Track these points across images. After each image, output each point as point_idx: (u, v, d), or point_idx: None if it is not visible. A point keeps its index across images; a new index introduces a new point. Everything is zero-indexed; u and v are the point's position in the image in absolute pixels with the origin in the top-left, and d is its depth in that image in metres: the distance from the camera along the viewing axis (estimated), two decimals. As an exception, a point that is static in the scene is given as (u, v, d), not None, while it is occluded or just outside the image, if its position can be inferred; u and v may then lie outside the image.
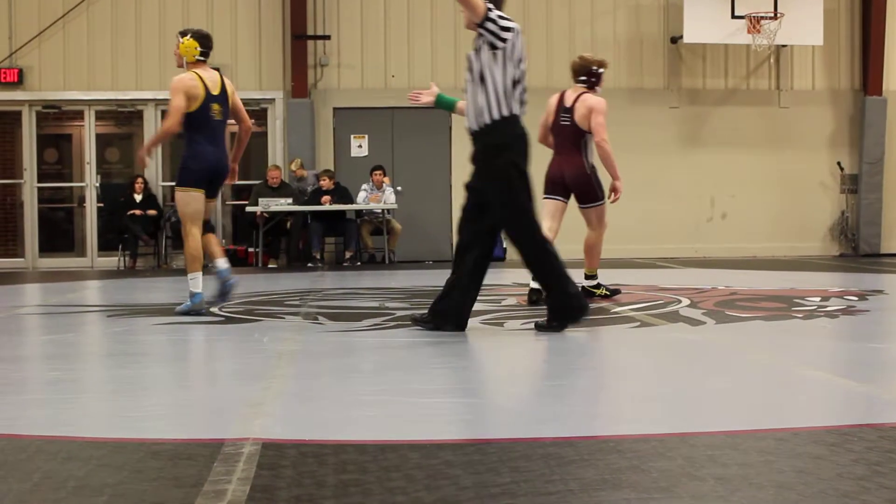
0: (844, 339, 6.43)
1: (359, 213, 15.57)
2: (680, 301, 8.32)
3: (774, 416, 3.90)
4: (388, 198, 15.28)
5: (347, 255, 15.44)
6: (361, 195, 15.31)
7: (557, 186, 8.59)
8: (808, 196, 17.04)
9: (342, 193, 15.38)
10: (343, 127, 16.37)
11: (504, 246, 16.03)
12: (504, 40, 6.20)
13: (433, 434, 3.55)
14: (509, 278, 11.45)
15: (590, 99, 8.37)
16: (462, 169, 16.25)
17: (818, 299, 8.40)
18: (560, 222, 8.73)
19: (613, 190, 8.65)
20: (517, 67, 6.30)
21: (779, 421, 3.79)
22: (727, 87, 16.99)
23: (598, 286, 8.82)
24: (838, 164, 17.04)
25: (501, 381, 4.84)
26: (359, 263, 15.23)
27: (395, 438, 3.45)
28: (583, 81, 8.51)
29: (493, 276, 12.17)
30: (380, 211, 15.39)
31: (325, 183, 15.18)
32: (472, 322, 7.03)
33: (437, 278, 11.71)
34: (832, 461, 3.09)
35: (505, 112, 6.29)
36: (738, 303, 8.18)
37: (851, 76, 17.22)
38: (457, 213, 17.05)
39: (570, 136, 8.44)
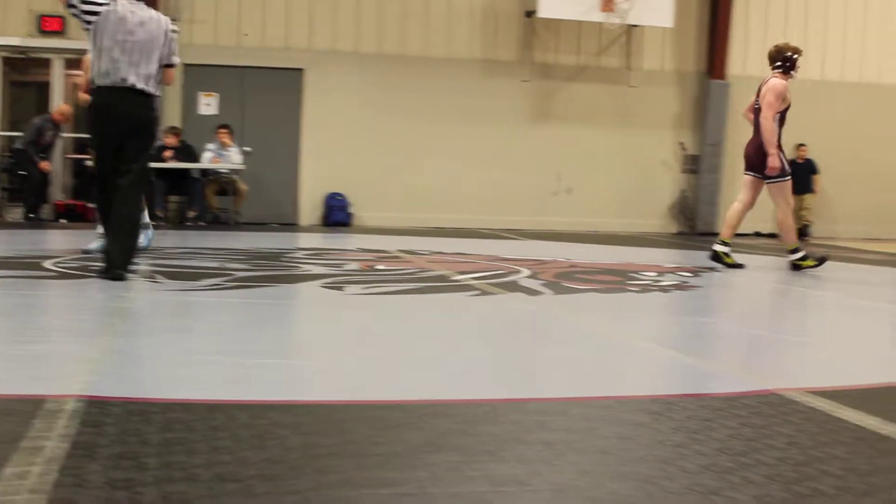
0: (675, 313, 6.62)
1: (204, 172, 15.30)
2: (520, 271, 8.43)
3: (602, 385, 3.98)
4: (235, 158, 15.05)
5: (191, 214, 15.18)
6: (207, 154, 15.05)
7: (746, 162, 9.64)
8: (651, 174, 17.47)
9: (187, 151, 15.09)
10: (192, 84, 16.02)
11: (349, 211, 16.03)
12: (88, 23, 6.85)
13: (263, 394, 3.52)
14: (354, 244, 11.45)
15: (772, 81, 9.35)
16: (313, 131, 16.12)
17: (653, 274, 8.63)
18: (752, 194, 9.64)
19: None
20: (104, 46, 6.84)
21: (606, 389, 3.88)
22: (579, 63, 17.24)
23: (805, 258, 9.59)
24: (681, 144, 17.49)
25: (334, 344, 4.83)
26: (202, 224, 14.98)
27: (224, 398, 3.41)
28: (778, 67, 9.42)
29: (338, 241, 12.14)
30: (226, 171, 15.16)
31: (170, 140, 14.86)
32: (312, 286, 7.00)
33: (282, 241, 11.62)
34: (653, 428, 3.18)
35: (94, 84, 6.94)
36: (577, 275, 8.33)
37: (698, 59, 17.67)
38: (305, 177, 16.96)
39: (757, 117, 9.43)
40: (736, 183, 17.64)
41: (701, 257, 11.28)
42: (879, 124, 18.18)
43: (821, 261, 9.63)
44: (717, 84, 17.35)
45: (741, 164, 17.64)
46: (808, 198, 17.42)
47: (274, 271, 7.95)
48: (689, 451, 2.90)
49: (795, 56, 9.40)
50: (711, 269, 9.64)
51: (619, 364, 4.53)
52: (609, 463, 2.78)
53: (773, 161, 9.27)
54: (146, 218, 8.62)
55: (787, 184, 9.41)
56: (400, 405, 3.37)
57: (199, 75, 15.98)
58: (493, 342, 5.08)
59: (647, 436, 3.09)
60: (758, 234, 17.40)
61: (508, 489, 2.49)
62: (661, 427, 3.19)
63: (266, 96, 16.18)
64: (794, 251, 9.60)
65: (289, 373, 4.02)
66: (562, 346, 4.91)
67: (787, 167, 9.40)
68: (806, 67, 17.95)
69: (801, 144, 17.34)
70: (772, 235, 17.27)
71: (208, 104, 16.10)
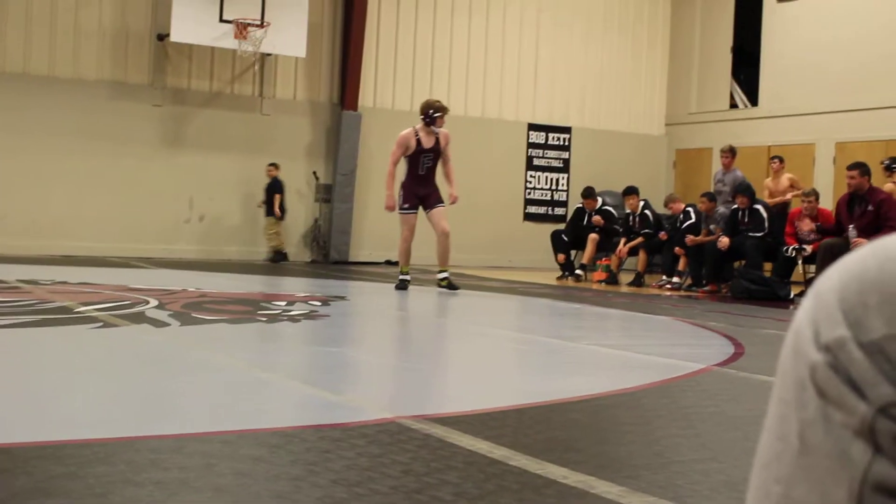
0: (302, 343, 6.67)
1: None
2: (148, 302, 8.22)
3: (223, 419, 3.94)
4: None
5: None
6: None
7: None
8: (285, 203, 17.52)
9: None
10: None
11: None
12: None
13: None
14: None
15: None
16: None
17: (284, 303, 8.65)
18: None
19: None
20: None
21: (226, 424, 3.83)
22: (212, 89, 17.07)
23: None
24: (314, 173, 17.70)
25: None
26: None
27: None
28: (422, 119, 11.07)
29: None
30: None
31: None
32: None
33: None
34: (271, 462, 3.18)
35: None
36: (206, 305, 8.23)
37: (331, 90, 17.96)
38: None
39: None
40: (368, 211, 18.11)
41: (333, 286, 11.44)
42: (498, 158, 19.20)
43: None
44: (350, 115, 17.70)
45: (374, 193, 18.14)
46: (273, 220, 16.94)
47: None
48: (305, 484, 2.92)
49: (437, 114, 10.98)
50: (341, 297, 9.81)
51: (242, 397, 4.50)
52: (224, 500, 2.75)
53: (388, 200, 11.17)
54: None
55: (405, 216, 11.18)
56: (6, 449, 3.19)
57: None
58: (112, 378, 4.91)
59: (265, 470, 3.08)
60: (388, 263, 17.87)
61: (115, 534, 2.41)
62: (279, 461, 3.20)
63: None
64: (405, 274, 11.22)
65: None
66: (184, 380, 4.82)
67: (394, 203, 11.17)
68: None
69: (272, 164, 16.96)
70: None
71: None
